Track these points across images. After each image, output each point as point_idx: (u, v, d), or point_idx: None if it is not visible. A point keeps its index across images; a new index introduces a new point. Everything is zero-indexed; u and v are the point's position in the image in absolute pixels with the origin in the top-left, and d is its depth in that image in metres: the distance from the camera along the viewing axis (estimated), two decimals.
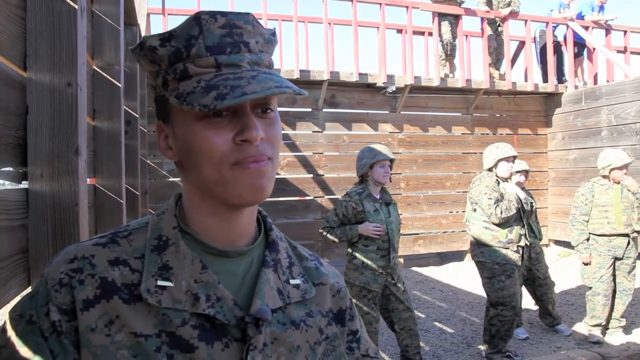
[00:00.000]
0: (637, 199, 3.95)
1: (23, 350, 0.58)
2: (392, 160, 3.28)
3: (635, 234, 3.98)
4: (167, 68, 0.63)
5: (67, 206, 1.14)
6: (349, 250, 3.27)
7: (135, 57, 0.67)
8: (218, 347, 0.61)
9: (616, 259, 4.00)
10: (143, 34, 4.01)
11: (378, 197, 3.27)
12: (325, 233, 3.26)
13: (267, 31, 0.68)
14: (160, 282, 0.62)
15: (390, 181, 3.36)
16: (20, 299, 0.62)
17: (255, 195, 0.63)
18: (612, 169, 3.96)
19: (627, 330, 4.19)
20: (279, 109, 0.74)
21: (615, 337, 4.00)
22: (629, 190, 3.96)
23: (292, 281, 0.72)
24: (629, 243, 3.97)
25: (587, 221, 4.05)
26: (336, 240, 3.24)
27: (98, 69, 1.99)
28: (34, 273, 1.12)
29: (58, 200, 1.14)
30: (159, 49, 0.63)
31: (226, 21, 0.62)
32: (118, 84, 2.02)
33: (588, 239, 4.06)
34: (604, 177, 4.05)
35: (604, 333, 4.13)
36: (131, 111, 2.97)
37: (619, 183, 3.99)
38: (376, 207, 3.22)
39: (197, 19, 0.62)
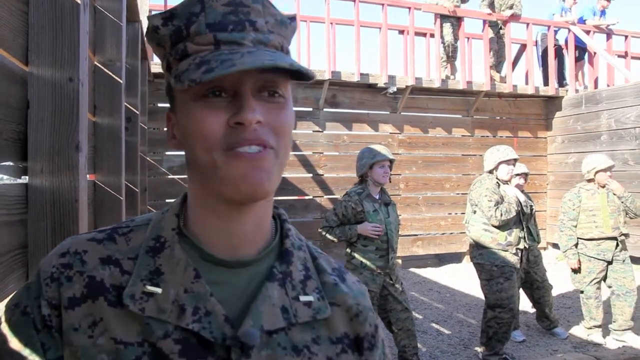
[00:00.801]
0: (622, 202, 4.02)
1: (14, 341, 0.57)
2: (391, 161, 3.29)
3: (622, 237, 4.03)
4: (170, 50, 0.60)
5: (67, 202, 1.14)
6: (348, 250, 3.27)
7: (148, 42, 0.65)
8: None
9: (607, 262, 4.04)
10: (145, 30, 4.00)
11: (377, 197, 3.28)
12: (324, 233, 3.27)
13: (283, 14, 0.63)
14: (149, 287, 0.57)
15: (390, 182, 3.37)
16: (19, 289, 0.61)
17: (252, 189, 0.56)
18: (597, 172, 4.07)
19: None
20: None
21: (627, 338, 3.99)
22: (614, 194, 4.04)
23: (303, 298, 0.63)
24: (617, 246, 4.01)
25: (576, 226, 4.11)
26: (335, 240, 3.25)
27: (99, 65, 1.98)
28: (33, 269, 1.12)
29: (58, 196, 1.13)
30: (161, 29, 0.60)
31: None
32: (119, 80, 2.02)
33: (577, 245, 4.12)
34: (589, 181, 4.15)
35: (604, 335, 4.16)
36: (132, 108, 2.96)
37: (604, 187, 4.08)
38: (375, 208, 3.23)
39: None
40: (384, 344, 0.71)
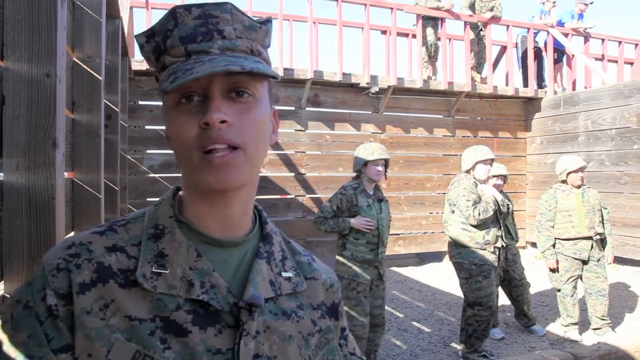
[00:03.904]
0: (603, 206, 4.17)
1: (19, 334, 0.59)
2: (386, 160, 3.38)
3: (598, 237, 4.12)
4: (155, 63, 0.68)
5: (43, 199, 1.12)
6: (340, 242, 3.37)
7: None
8: (211, 332, 0.63)
9: (583, 262, 4.12)
10: (126, 27, 3.96)
11: (371, 193, 3.38)
12: (318, 224, 3.37)
13: (253, 20, 0.68)
14: (155, 269, 0.64)
15: (386, 178, 3.50)
16: (18, 287, 0.65)
17: (220, 183, 0.63)
18: (568, 173, 4.17)
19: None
20: None
21: (608, 336, 4.07)
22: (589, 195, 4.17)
23: (284, 274, 0.73)
24: (592, 246, 4.10)
25: (553, 227, 4.19)
26: (328, 230, 3.34)
27: (78, 61, 1.95)
28: (7, 266, 1.10)
29: (34, 193, 1.11)
30: (146, 46, 0.67)
31: (201, 12, 0.64)
32: (99, 77, 1.99)
33: (554, 245, 4.19)
34: (563, 182, 4.24)
35: (581, 332, 4.25)
36: (112, 105, 2.93)
37: (579, 187, 4.16)
38: (369, 203, 3.34)
39: (173, 13, 0.65)
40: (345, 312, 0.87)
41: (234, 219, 0.70)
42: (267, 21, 0.70)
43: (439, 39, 7.50)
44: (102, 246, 0.64)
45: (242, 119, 0.64)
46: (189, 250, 0.66)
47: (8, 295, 1.08)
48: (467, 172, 3.82)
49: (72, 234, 1.91)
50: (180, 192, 0.73)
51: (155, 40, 0.66)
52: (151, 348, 0.59)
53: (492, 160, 3.79)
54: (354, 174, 3.49)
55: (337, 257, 3.36)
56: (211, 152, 0.62)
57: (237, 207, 0.69)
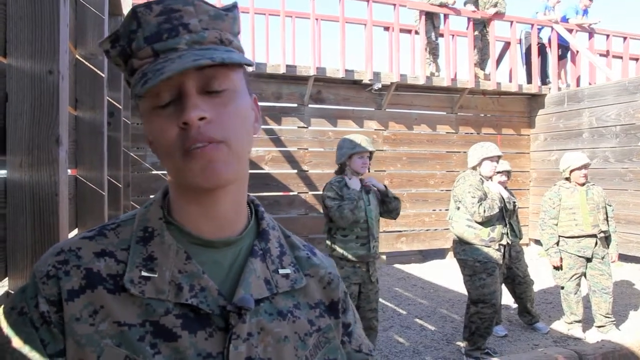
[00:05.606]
0: (607, 204, 4.14)
1: (15, 340, 0.59)
2: (371, 152, 3.28)
3: (602, 234, 4.10)
4: (124, 68, 0.65)
5: (47, 196, 1.12)
6: (328, 242, 3.25)
7: None
8: (201, 336, 0.62)
9: (587, 259, 4.11)
10: None
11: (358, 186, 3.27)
12: (339, 212, 3.10)
13: (218, 8, 0.66)
14: (144, 273, 0.63)
15: (369, 172, 3.38)
16: (12, 294, 0.65)
17: (209, 180, 0.62)
18: (571, 170, 4.16)
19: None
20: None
21: (612, 334, 4.06)
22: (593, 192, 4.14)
23: (281, 271, 0.71)
24: (596, 243, 4.09)
25: (557, 224, 4.18)
26: (352, 208, 3.10)
27: (81, 58, 1.95)
28: (11, 263, 1.10)
29: (37, 190, 1.12)
30: (111, 51, 0.65)
31: (162, 8, 0.62)
32: (101, 74, 1.99)
33: (558, 243, 4.19)
34: (567, 179, 4.23)
35: (584, 330, 4.24)
36: (114, 102, 2.93)
37: (583, 185, 4.15)
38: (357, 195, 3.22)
39: (134, 13, 0.62)
40: (352, 306, 0.82)
41: (226, 218, 0.68)
42: (233, 7, 0.68)
43: (441, 35, 7.48)
44: (91, 252, 0.63)
45: (221, 113, 0.62)
46: (177, 253, 0.65)
47: (12, 292, 1.08)
48: (473, 168, 3.80)
49: (75, 231, 1.91)
50: (169, 192, 0.71)
51: (120, 44, 0.63)
52: (141, 353, 0.59)
53: (499, 157, 3.78)
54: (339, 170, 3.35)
55: None
56: (190, 149, 0.60)
57: (227, 205, 0.68)
